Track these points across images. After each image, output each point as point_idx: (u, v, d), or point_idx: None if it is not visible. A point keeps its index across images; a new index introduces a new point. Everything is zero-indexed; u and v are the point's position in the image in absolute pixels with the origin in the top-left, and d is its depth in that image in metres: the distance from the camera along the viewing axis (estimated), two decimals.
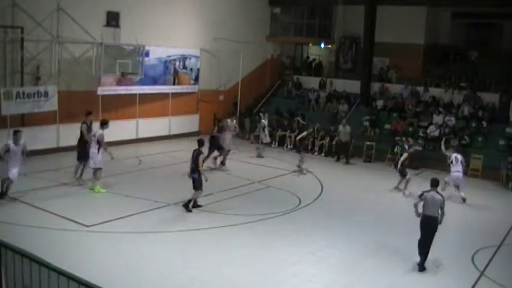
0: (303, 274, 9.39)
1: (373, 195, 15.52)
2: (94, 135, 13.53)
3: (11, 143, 12.29)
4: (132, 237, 10.60)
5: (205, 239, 10.88)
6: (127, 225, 11.19)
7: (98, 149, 13.39)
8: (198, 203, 12.69)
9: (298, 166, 17.62)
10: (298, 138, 17.95)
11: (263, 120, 20.58)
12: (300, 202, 13.94)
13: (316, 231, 11.78)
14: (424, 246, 9.84)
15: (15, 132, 12.58)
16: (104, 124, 13.68)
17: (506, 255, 11.11)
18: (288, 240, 11.08)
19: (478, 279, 9.65)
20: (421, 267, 9.81)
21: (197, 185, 12.41)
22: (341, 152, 20.16)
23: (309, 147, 21.25)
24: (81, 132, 14.20)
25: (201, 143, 12.72)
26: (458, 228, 12.91)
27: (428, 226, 9.85)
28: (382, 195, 15.58)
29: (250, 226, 11.78)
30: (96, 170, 13.50)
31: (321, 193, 15.16)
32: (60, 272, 5.47)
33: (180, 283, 8.74)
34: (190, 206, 12.45)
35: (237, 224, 11.84)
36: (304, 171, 17.39)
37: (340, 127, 20.31)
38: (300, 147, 17.96)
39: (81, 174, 14.14)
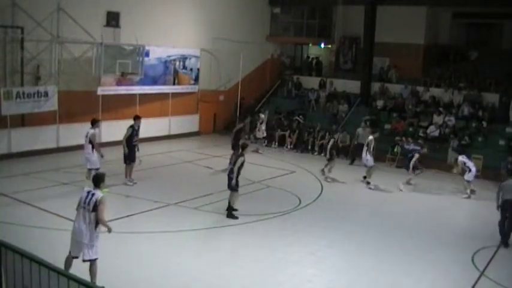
0: (302, 274, 9.39)
1: (373, 194, 15.52)
2: (86, 136, 13.40)
3: (86, 189, 8.15)
4: (132, 237, 10.60)
5: (206, 239, 10.90)
6: (127, 225, 11.19)
7: (92, 150, 13.30)
8: (234, 207, 12.30)
9: (322, 170, 16.99)
10: (329, 146, 17.08)
11: (262, 115, 20.95)
12: (300, 202, 13.94)
13: (316, 231, 11.78)
14: (503, 226, 11.58)
15: (100, 177, 8.13)
16: (94, 123, 13.53)
17: (506, 255, 11.11)
18: (288, 240, 11.08)
19: (478, 279, 9.65)
20: (505, 244, 11.44)
21: (231, 187, 12.27)
22: (358, 154, 19.07)
23: (309, 148, 21.32)
24: (129, 135, 14.28)
25: (243, 147, 12.57)
26: (458, 228, 12.91)
27: (509, 209, 11.52)
28: (382, 194, 15.58)
29: (250, 226, 11.78)
30: (92, 171, 13.43)
31: (321, 193, 15.16)
32: (60, 272, 5.48)
33: (180, 283, 8.74)
34: (232, 211, 12.21)
35: (237, 224, 11.85)
36: (329, 179, 16.65)
37: (360, 130, 19.75)
38: (332, 154, 17.03)
39: (129, 175, 14.42)
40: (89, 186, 13.16)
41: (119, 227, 11.01)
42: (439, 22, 25.96)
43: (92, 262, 7.86)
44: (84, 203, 7.78)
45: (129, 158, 14.45)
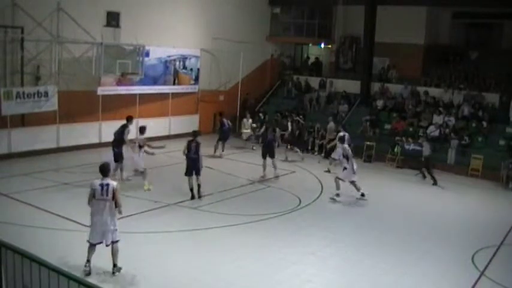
0: (303, 274, 9.39)
1: (372, 194, 15.50)
2: (135, 141, 14.08)
3: (96, 182, 8.51)
4: (132, 237, 10.57)
5: (205, 239, 10.88)
6: (127, 225, 11.13)
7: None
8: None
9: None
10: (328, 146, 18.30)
11: (244, 120, 22.03)
12: (300, 202, 13.93)
13: (316, 231, 11.78)
14: None
15: (107, 167, 8.67)
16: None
17: (506, 255, 11.11)
18: (288, 240, 11.08)
19: (478, 279, 9.64)
20: None
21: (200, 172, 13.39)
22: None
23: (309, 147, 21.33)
24: (123, 135, 14.46)
25: (195, 134, 13.46)
26: (458, 228, 12.91)
27: None
28: (382, 194, 15.57)
29: (250, 226, 11.78)
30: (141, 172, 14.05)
31: (321, 193, 15.15)
32: (60, 272, 5.46)
33: (180, 283, 8.74)
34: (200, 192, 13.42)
35: (237, 224, 11.84)
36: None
37: (332, 124, 20.38)
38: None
39: (121, 173, 14.65)
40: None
41: (119, 227, 11.01)
42: (439, 22, 25.93)
43: (115, 243, 8.61)
44: (102, 194, 8.38)
45: (122, 157, 14.58)
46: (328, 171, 17.35)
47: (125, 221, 11.36)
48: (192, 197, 13.26)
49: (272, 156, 16.48)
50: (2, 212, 11.36)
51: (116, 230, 8.58)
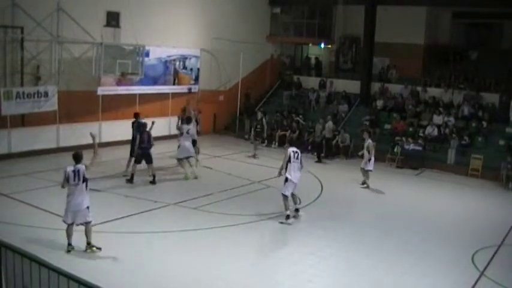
0: (303, 274, 9.39)
1: (373, 195, 15.52)
2: (188, 132, 15.59)
3: (69, 169, 9.39)
4: (132, 237, 10.60)
5: (205, 239, 10.88)
6: (127, 225, 11.19)
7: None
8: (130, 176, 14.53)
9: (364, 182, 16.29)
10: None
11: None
12: (300, 202, 13.90)
13: (316, 231, 11.77)
14: None
15: (81, 155, 9.63)
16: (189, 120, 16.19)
17: (506, 255, 11.12)
18: (288, 240, 11.08)
19: (478, 279, 9.64)
20: None
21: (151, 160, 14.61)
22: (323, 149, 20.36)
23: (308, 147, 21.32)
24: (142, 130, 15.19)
25: (145, 126, 14.69)
26: (458, 228, 12.91)
27: None
28: (382, 194, 15.58)
29: (250, 226, 11.78)
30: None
31: (321, 193, 15.15)
32: (60, 272, 5.46)
33: (179, 283, 8.74)
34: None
35: (237, 224, 11.84)
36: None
37: (330, 124, 20.49)
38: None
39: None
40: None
41: (119, 227, 11.04)
42: (439, 22, 25.94)
43: (88, 224, 9.41)
44: (74, 180, 9.25)
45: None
46: (365, 184, 16.07)
47: (125, 221, 11.42)
48: (130, 181, 14.32)
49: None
50: (2, 212, 11.37)
51: (88, 207, 9.34)
